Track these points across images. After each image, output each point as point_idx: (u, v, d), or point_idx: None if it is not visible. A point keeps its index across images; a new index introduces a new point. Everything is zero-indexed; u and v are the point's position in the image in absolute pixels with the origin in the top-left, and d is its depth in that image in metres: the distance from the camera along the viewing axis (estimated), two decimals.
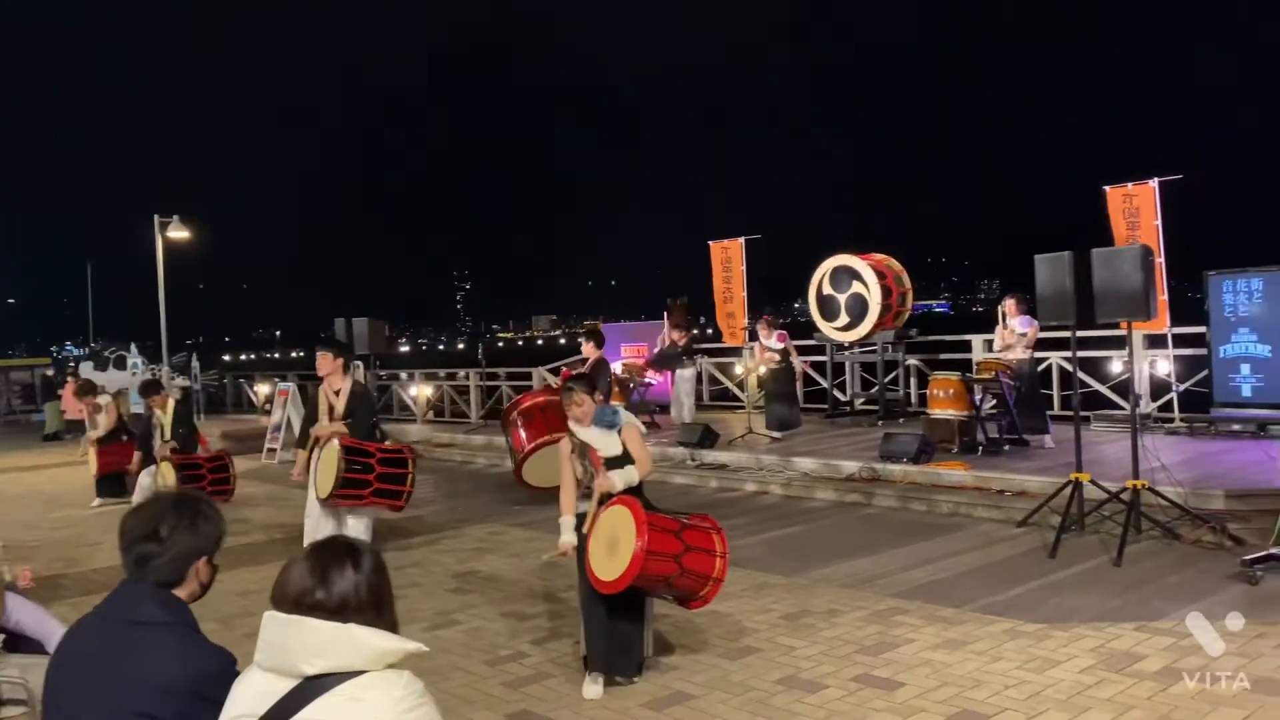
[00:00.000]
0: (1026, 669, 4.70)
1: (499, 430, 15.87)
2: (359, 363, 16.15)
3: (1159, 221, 11.17)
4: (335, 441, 6.97)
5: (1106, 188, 11.52)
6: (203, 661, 2.22)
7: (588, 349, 10.23)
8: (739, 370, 16.22)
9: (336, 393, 7.23)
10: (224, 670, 2.19)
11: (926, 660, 4.89)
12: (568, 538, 4.85)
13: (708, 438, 11.52)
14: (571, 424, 4.92)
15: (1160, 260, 11.28)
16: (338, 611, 1.96)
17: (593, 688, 4.63)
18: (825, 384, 14.70)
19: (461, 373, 19.35)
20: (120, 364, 29.07)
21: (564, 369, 11.89)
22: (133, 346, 30.59)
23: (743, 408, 15.85)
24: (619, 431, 4.87)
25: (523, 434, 8.75)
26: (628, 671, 4.76)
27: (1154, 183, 11.28)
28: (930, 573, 6.59)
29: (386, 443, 7.47)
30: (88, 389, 11.86)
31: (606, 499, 4.74)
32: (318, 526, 7.17)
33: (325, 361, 7.24)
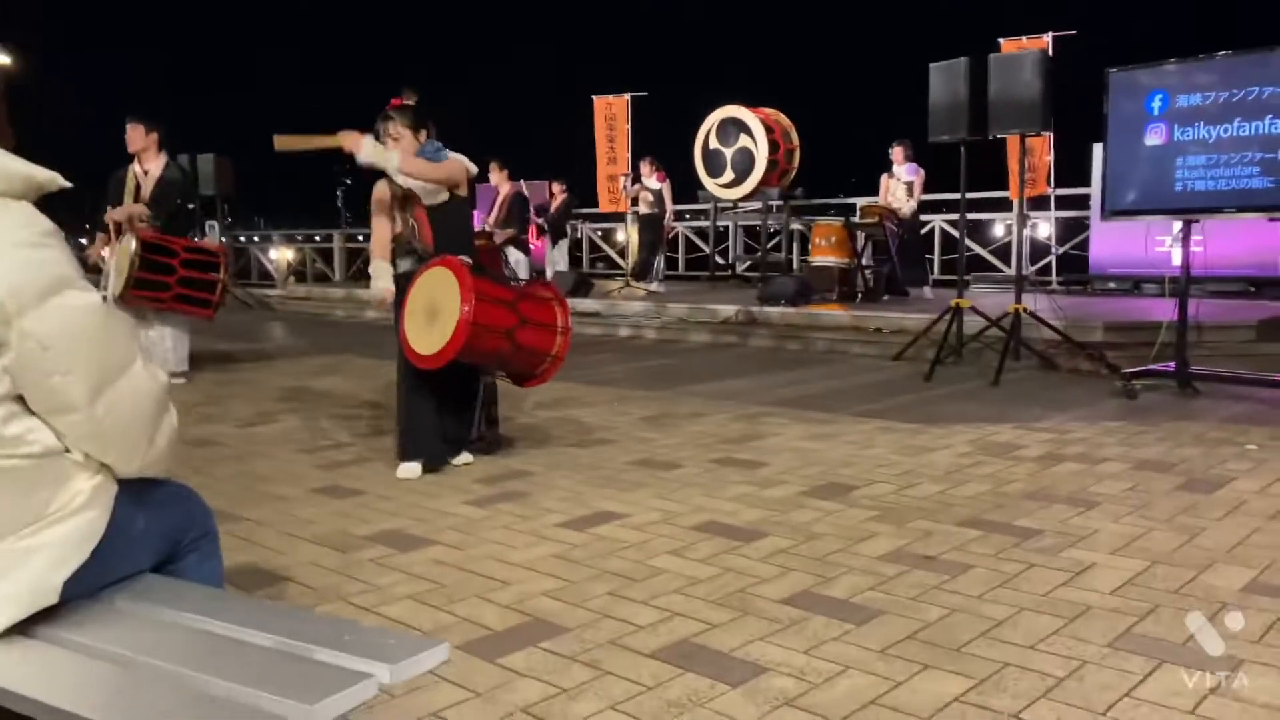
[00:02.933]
0: (901, 454, 4.31)
1: (360, 284, 14.96)
2: (213, 222, 14.84)
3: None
4: (132, 237, 6.03)
5: (1001, 40, 11.16)
6: None
7: (498, 176, 8.95)
8: (620, 237, 15.59)
9: (146, 173, 6.25)
10: None
11: (794, 448, 4.45)
12: (382, 283, 4.14)
13: (581, 286, 10.92)
14: None
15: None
16: None
17: (407, 468, 4.01)
18: (707, 249, 14.20)
19: (323, 234, 18.18)
20: None
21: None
22: None
23: (623, 274, 15.29)
24: None
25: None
26: (456, 452, 4.16)
27: (1048, 37, 10.98)
28: (802, 390, 6.19)
29: (205, 240, 6.54)
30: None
31: (427, 258, 4.05)
32: None
33: (136, 135, 6.21)
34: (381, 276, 4.21)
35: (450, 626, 2.45)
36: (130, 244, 6.00)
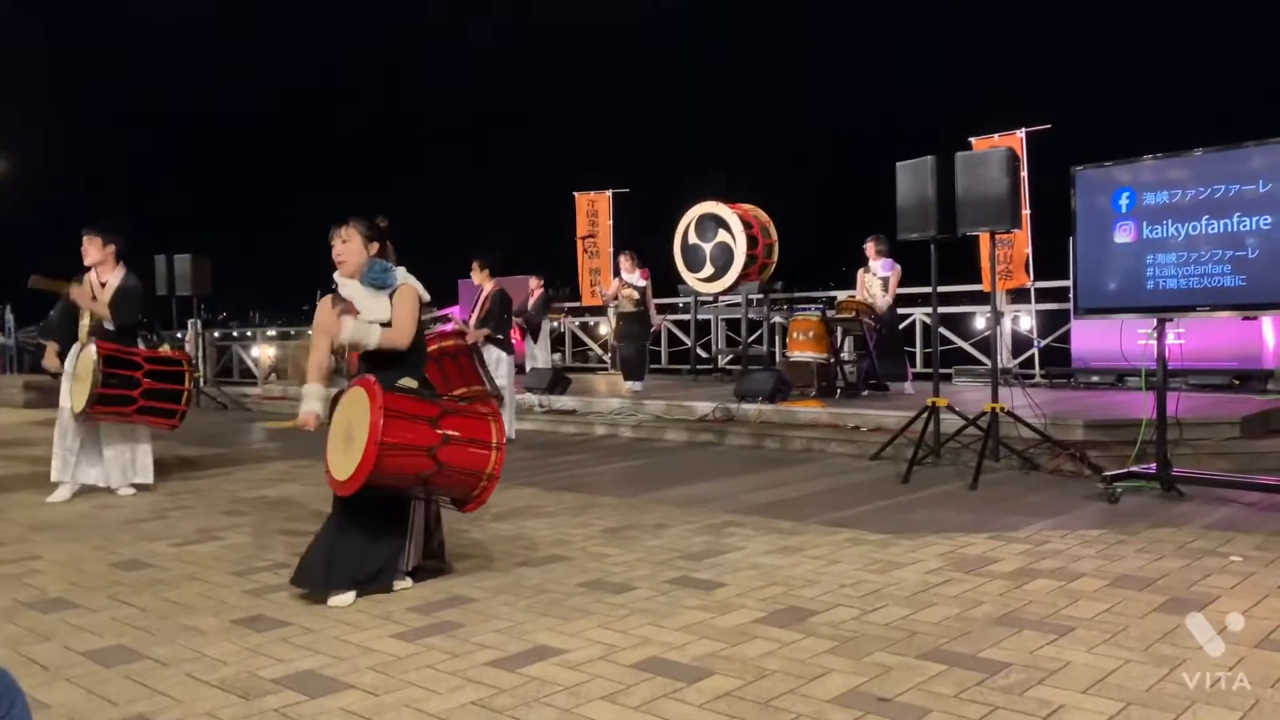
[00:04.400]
0: (867, 570, 4.07)
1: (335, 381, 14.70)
2: (193, 319, 14.70)
3: (1026, 173, 10.96)
4: (93, 348, 5.87)
5: (973, 139, 11.23)
6: None
7: (479, 276, 8.58)
8: (603, 330, 15.47)
9: (103, 285, 6.11)
10: None
11: (755, 564, 4.21)
12: (309, 406, 3.99)
13: (558, 383, 10.74)
14: (336, 275, 4.05)
15: (1027, 212, 11.10)
16: None
17: (340, 597, 3.74)
18: (688, 342, 14.09)
19: (309, 330, 18.04)
20: None
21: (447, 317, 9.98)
22: None
23: (605, 368, 15.16)
24: (391, 295, 4.00)
25: None
26: (380, 585, 3.87)
27: (1021, 133, 11.07)
28: (774, 495, 5.97)
29: (163, 349, 6.38)
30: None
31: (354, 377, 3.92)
32: (65, 440, 6.05)
33: (93, 248, 6.08)
34: (311, 399, 4.06)
35: None
36: (91, 355, 5.83)
